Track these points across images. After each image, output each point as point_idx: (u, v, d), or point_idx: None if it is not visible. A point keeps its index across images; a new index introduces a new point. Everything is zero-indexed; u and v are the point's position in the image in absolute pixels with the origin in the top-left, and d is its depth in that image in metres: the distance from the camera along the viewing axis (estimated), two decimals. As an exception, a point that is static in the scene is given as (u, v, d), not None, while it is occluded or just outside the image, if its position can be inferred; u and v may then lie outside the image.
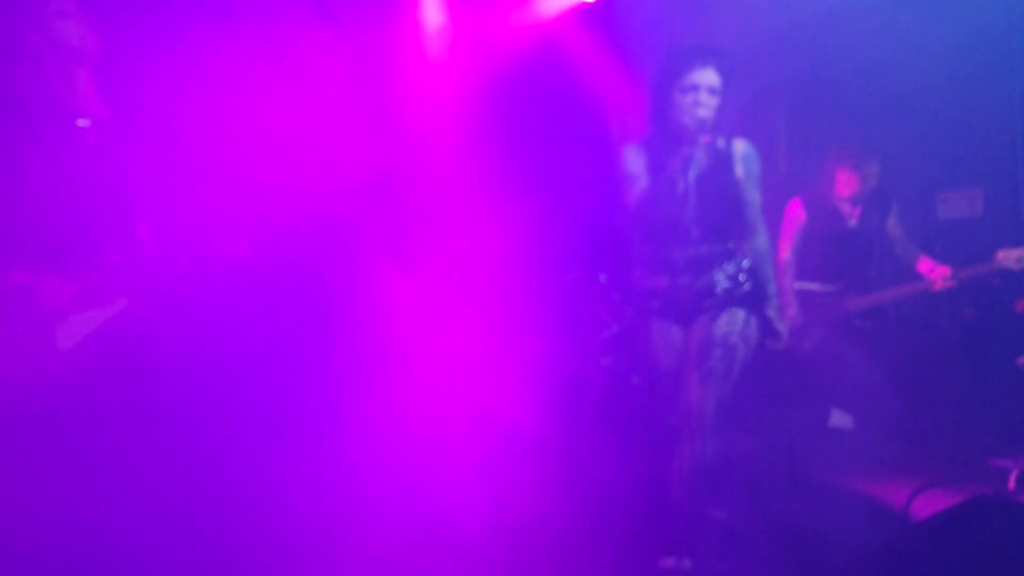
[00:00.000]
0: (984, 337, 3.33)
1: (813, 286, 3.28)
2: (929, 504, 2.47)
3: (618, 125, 3.71)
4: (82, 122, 1.77)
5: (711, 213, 2.01)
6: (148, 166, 1.83)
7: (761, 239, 2.12)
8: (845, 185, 3.18)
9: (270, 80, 2.63)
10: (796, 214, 3.32)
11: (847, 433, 3.25)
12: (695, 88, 1.94)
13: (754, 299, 2.10)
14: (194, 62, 2.34)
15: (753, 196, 2.06)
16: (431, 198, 3.22)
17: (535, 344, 3.33)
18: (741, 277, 2.09)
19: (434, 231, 3.23)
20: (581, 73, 3.92)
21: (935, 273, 2.98)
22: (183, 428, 1.80)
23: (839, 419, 3.30)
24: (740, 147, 2.07)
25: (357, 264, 2.87)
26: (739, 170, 2.02)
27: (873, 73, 3.94)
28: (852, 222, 3.22)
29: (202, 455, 1.85)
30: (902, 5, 3.79)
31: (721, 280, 2.08)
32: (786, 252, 3.32)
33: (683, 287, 2.06)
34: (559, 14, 3.80)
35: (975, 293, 3.34)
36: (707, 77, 1.95)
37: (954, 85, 3.65)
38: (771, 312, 2.14)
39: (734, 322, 2.06)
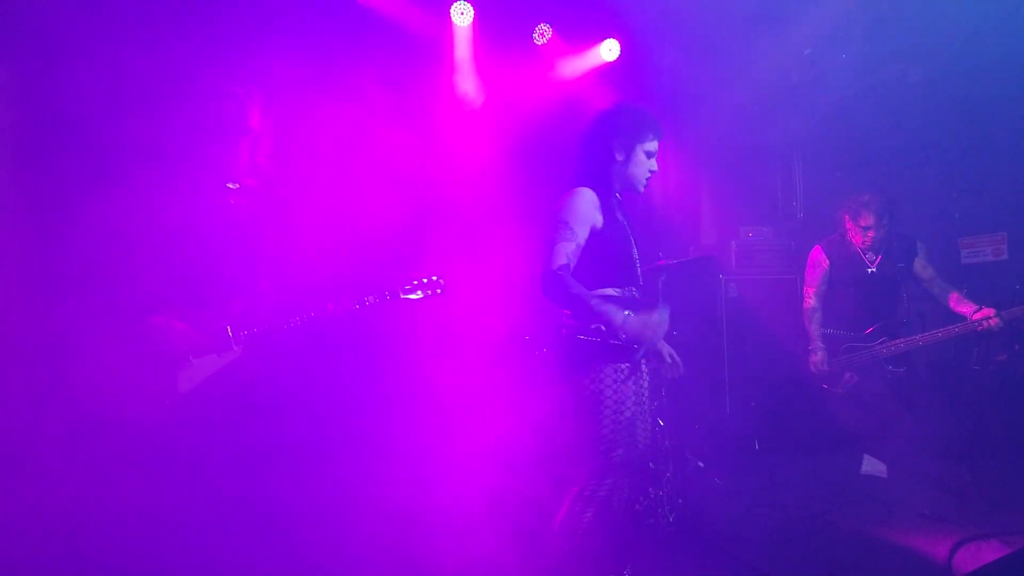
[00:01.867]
0: (1016, 382, 3.26)
1: (841, 332, 3.31)
2: (972, 557, 2.40)
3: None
4: (232, 185, 2.02)
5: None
6: (277, 229, 2.04)
7: None
8: (855, 234, 3.29)
9: (360, 154, 2.92)
10: (819, 260, 3.38)
11: (881, 481, 3.17)
12: (652, 154, 2.07)
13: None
14: (312, 138, 2.62)
15: None
16: (464, 248, 3.36)
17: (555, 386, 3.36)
18: None
19: (463, 274, 3.35)
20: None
21: (978, 315, 2.97)
22: (283, 465, 1.94)
23: (872, 466, 3.23)
24: None
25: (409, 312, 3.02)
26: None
27: (889, 122, 4.06)
28: (872, 269, 3.28)
29: (300, 492, 1.99)
30: (912, 60, 3.95)
31: None
32: (810, 299, 3.38)
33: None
34: (582, 75, 4.04)
35: (1008, 338, 3.31)
36: (656, 146, 2.09)
37: (972, 131, 3.74)
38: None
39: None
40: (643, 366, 1.98)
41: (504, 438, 2.93)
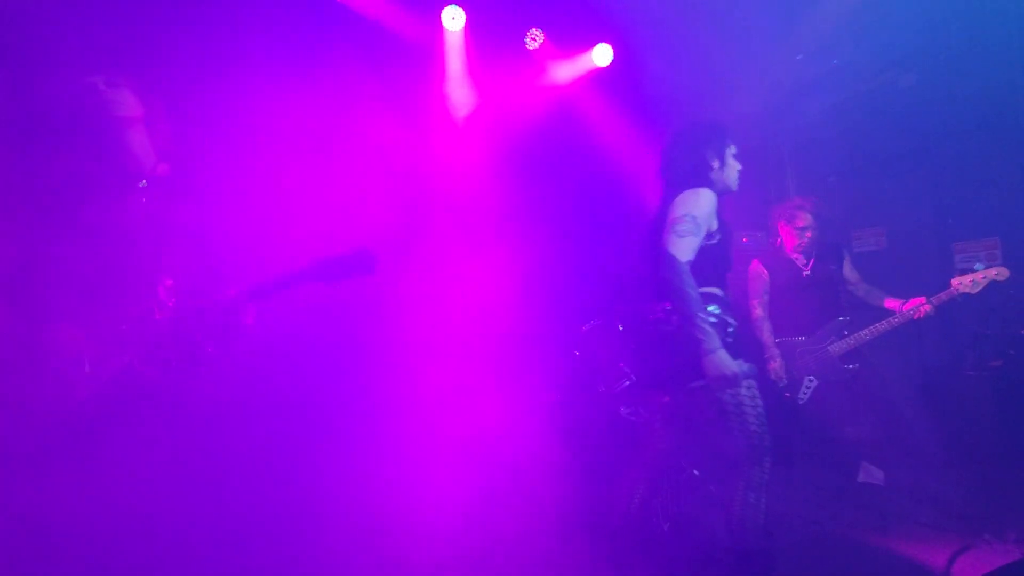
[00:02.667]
0: (1012, 388, 3.24)
1: (791, 339, 3.42)
2: (971, 566, 2.36)
3: (636, 180, 3.83)
4: (142, 183, 1.89)
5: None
6: (179, 224, 1.92)
7: None
8: (788, 239, 3.44)
9: (306, 142, 2.84)
10: (758, 272, 3.52)
11: (877, 489, 3.13)
12: (736, 155, 2.29)
13: None
14: (231, 124, 2.53)
15: None
16: (453, 250, 3.33)
17: (553, 394, 3.33)
18: None
19: (454, 281, 3.32)
20: (596, 130, 4.10)
21: (909, 305, 3.18)
22: (183, 474, 1.82)
23: (870, 474, 3.19)
24: None
25: (383, 316, 2.96)
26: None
27: (881, 128, 4.06)
28: (806, 272, 3.43)
29: (206, 499, 1.87)
30: (904, 65, 3.96)
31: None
32: (756, 309, 3.50)
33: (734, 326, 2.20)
34: (574, 80, 4.03)
35: (1003, 344, 3.29)
36: (735, 148, 2.31)
37: (964, 136, 3.74)
38: None
39: None
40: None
41: (494, 439, 2.89)
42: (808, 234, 3.37)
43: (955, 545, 2.54)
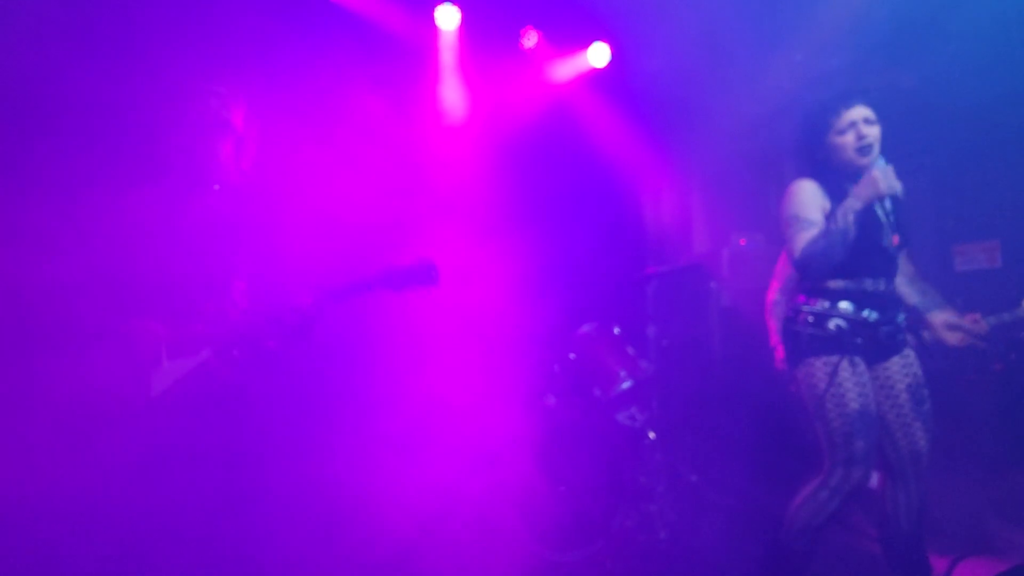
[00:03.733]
0: (1014, 392, 3.21)
1: None
2: (970, 573, 2.33)
3: (631, 181, 3.80)
4: (216, 186, 1.98)
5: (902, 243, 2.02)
6: (252, 229, 1.99)
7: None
8: None
9: (340, 153, 2.89)
10: None
11: (871, 491, 3.09)
12: (852, 124, 2.02)
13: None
14: (295, 139, 2.62)
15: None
16: (448, 251, 3.29)
17: (548, 399, 3.29)
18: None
19: (449, 284, 3.28)
20: (592, 131, 4.07)
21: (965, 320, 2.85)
22: (258, 466, 1.90)
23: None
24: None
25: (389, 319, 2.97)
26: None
27: (881, 128, 4.02)
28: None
29: (281, 494, 1.96)
30: (904, 67, 3.92)
31: (900, 319, 2.09)
32: (774, 292, 3.17)
33: (886, 324, 2.03)
34: (570, 80, 3.99)
35: (1004, 348, 3.25)
36: (861, 112, 2.04)
37: (964, 137, 3.71)
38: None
39: (914, 361, 2.11)
40: (858, 360, 1.97)
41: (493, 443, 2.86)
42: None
43: (954, 551, 2.51)
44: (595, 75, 4.01)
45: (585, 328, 3.34)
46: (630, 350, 3.20)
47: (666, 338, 3.47)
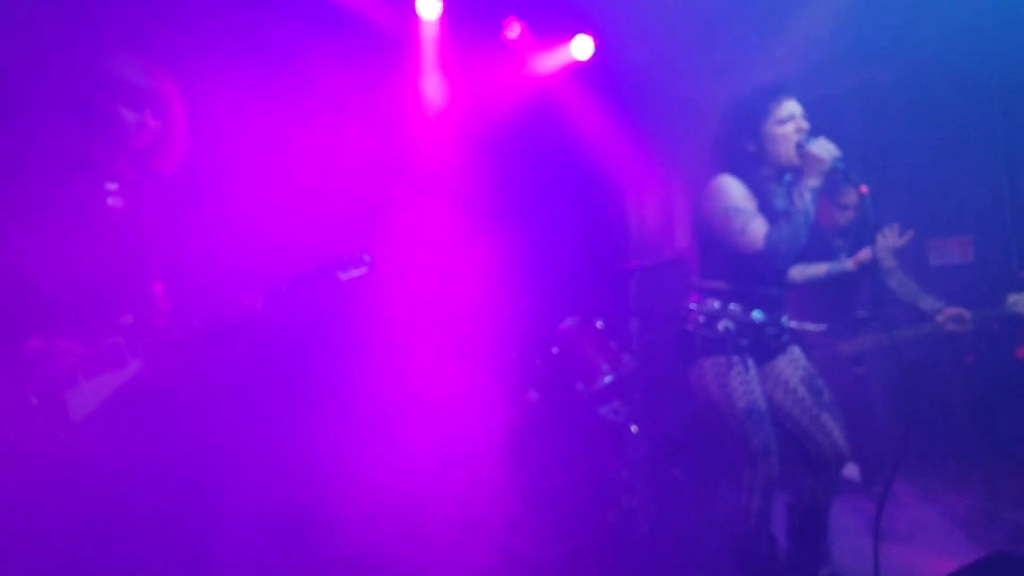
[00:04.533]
0: (986, 383, 3.28)
1: (804, 325, 3.11)
2: (945, 562, 2.38)
3: (614, 175, 3.79)
4: (111, 185, 1.79)
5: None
6: (167, 227, 1.85)
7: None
8: (827, 216, 3.03)
9: (285, 142, 2.76)
10: None
11: (855, 486, 3.14)
12: (792, 117, 1.99)
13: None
14: (215, 126, 2.43)
15: None
16: (429, 246, 3.25)
17: (530, 394, 3.28)
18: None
19: (429, 278, 3.25)
20: (576, 125, 4.05)
21: (945, 314, 2.83)
22: (208, 483, 1.82)
23: (848, 470, 3.19)
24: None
25: (361, 313, 2.90)
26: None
27: (860, 124, 4.08)
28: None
29: (224, 509, 1.88)
30: (882, 63, 3.97)
31: (784, 320, 2.10)
32: None
33: (771, 325, 2.02)
34: (554, 72, 3.96)
35: (976, 339, 3.31)
36: (797, 106, 2.01)
37: (940, 134, 3.77)
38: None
39: (800, 357, 2.17)
40: (746, 359, 2.01)
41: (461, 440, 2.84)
42: (850, 214, 2.97)
43: (930, 540, 2.55)
44: (578, 68, 3.98)
45: (567, 322, 3.33)
46: (613, 344, 3.20)
47: (648, 332, 3.47)
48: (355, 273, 1.95)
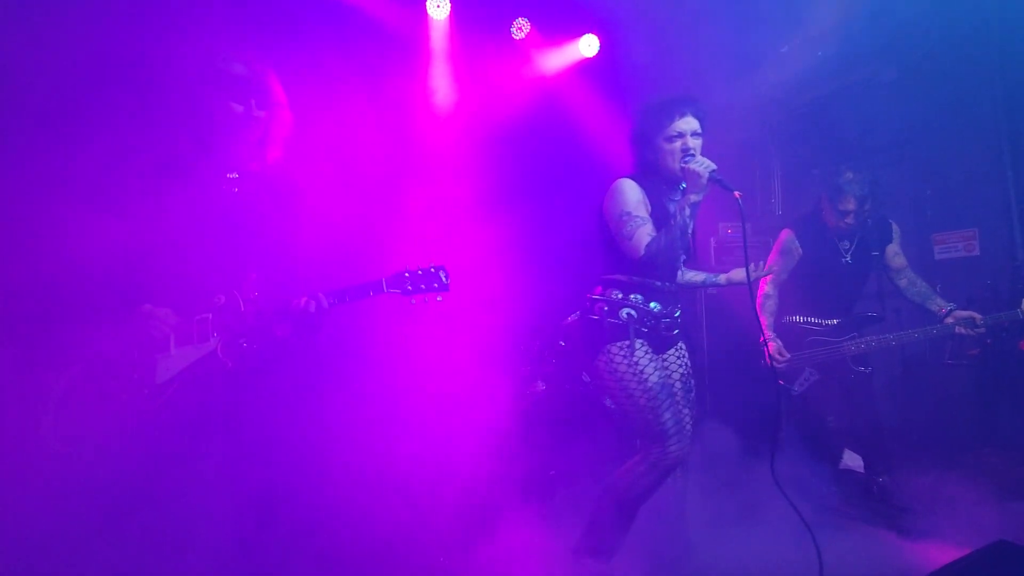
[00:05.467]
0: (990, 377, 3.30)
1: (806, 323, 3.02)
2: (947, 550, 2.40)
3: (621, 169, 3.82)
4: (232, 175, 1.95)
5: (689, 249, 2.23)
6: (270, 218, 1.97)
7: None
8: (831, 220, 3.00)
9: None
10: (790, 247, 3.05)
11: (858, 476, 3.16)
12: (680, 135, 2.11)
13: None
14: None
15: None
16: (436, 242, 3.31)
17: (537, 384, 3.33)
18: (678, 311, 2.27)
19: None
20: (581, 121, 4.09)
21: (956, 316, 2.78)
22: (261, 461, 1.91)
23: (851, 460, 3.22)
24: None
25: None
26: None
27: (864, 120, 4.10)
28: (847, 258, 3.02)
29: (279, 476, 1.97)
30: (885, 59, 4.00)
31: (677, 315, 2.24)
32: (765, 286, 3.05)
33: (666, 317, 2.18)
34: (561, 70, 4.01)
35: (980, 334, 3.32)
36: (690, 124, 2.13)
37: (944, 129, 3.79)
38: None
39: (686, 355, 2.31)
40: (642, 344, 2.09)
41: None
42: (849, 220, 2.92)
43: (932, 531, 2.58)
44: (585, 66, 4.03)
45: (574, 316, 3.38)
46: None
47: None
48: (433, 293, 1.99)
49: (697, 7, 3.76)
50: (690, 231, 2.08)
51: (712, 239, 4.11)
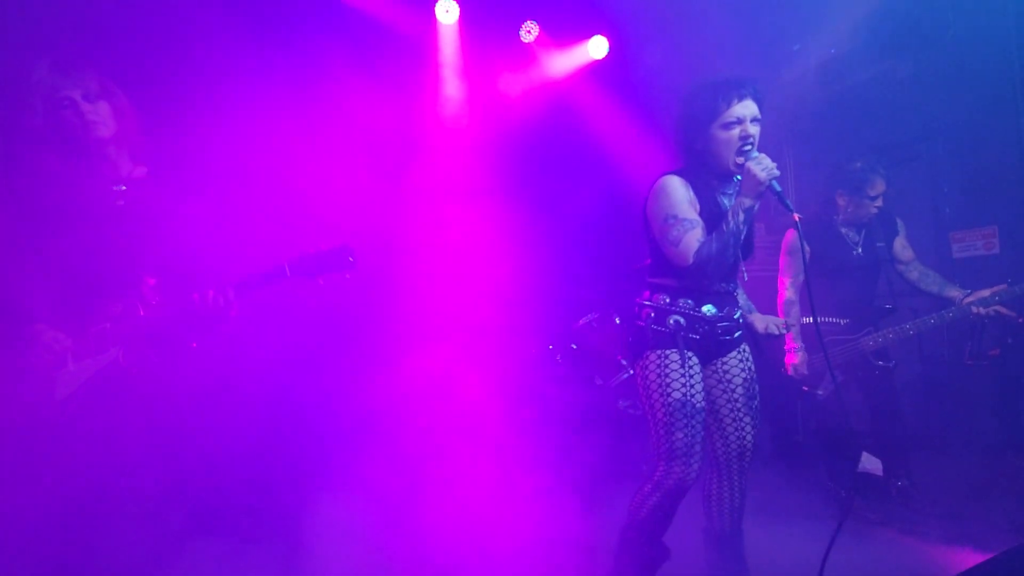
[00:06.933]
0: (1011, 377, 3.24)
1: (823, 321, 2.96)
2: (968, 556, 2.37)
3: (631, 172, 3.82)
4: (119, 187, 1.94)
5: (744, 248, 1.97)
6: (164, 222, 1.95)
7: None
8: (845, 210, 2.95)
9: (295, 137, 2.84)
10: (798, 246, 2.92)
11: (877, 479, 3.12)
12: (739, 121, 1.86)
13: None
14: (216, 124, 2.53)
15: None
16: (447, 244, 3.32)
17: (550, 388, 3.33)
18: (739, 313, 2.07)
19: (449, 276, 3.32)
20: (591, 123, 4.09)
21: (971, 298, 2.71)
22: (174, 466, 1.88)
23: (869, 463, 3.18)
24: None
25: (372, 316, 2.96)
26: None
27: (880, 117, 4.05)
28: (858, 251, 2.96)
29: (187, 488, 1.94)
30: (900, 53, 3.94)
31: (737, 316, 2.05)
32: (787, 290, 2.95)
33: (723, 320, 1.99)
34: (570, 72, 4.01)
35: (1000, 332, 3.28)
36: (749, 108, 1.87)
37: (961, 125, 3.73)
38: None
39: (749, 358, 2.10)
40: (693, 356, 1.94)
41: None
42: (879, 203, 2.84)
43: (953, 535, 2.54)
44: (594, 68, 4.02)
45: (586, 319, 3.38)
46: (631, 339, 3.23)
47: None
48: (338, 273, 1.91)
49: (706, 6, 3.73)
50: (743, 236, 1.85)
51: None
